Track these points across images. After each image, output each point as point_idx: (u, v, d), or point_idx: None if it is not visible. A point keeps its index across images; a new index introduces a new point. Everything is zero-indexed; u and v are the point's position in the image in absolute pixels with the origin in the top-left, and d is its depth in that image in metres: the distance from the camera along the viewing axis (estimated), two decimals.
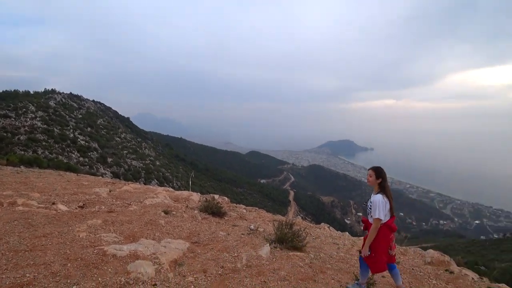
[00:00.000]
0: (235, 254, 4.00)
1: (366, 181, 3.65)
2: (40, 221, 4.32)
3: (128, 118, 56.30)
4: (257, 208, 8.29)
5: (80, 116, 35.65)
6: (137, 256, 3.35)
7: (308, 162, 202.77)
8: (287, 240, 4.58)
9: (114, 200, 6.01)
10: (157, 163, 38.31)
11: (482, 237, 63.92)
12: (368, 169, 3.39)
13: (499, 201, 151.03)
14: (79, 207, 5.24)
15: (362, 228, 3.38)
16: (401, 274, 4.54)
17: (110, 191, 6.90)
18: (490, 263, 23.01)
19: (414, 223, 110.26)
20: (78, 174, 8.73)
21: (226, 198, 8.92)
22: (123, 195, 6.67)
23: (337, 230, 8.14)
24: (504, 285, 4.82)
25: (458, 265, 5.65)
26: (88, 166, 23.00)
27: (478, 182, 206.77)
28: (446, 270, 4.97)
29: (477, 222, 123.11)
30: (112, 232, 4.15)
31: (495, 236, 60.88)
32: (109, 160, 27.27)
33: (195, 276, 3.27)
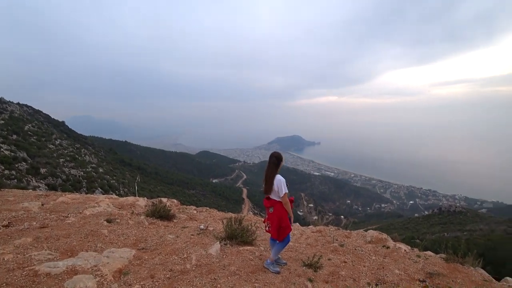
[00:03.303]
0: (185, 256, 3.96)
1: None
2: None
3: (63, 122, 51.03)
4: (207, 208, 8.24)
5: (3, 122, 31.37)
6: (76, 271, 3.13)
7: (259, 159, 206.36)
8: (237, 236, 4.68)
9: (47, 214, 5.46)
10: (100, 170, 35.48)
11: (416, 214, 71.85)
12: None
13: (428, 182, 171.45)
14: (3, 226, 4.66)
15: (269, 210, 3.79)
16: (345, 254, 4.97)
17: (42, 204, 6.24)
18: (424, 236, 26.17)
19: (360, 209, 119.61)
20: (2, 190, 7.70)
21: (176, 201, 8.70)
22: (58, 208, 6.10)
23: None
24: (429, 252, 5.59)
25: (394, 241, 6.34)
26: (16, 180, 20.38)
27: (410, 167, 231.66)
28: (383, 246, 5.53)
29: (411, 202, 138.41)
30: (45, 249, 3.79)
31: (426, 212, 68.66)
32: (43, 170, 24.48)
33: (142, 283, 3.16)
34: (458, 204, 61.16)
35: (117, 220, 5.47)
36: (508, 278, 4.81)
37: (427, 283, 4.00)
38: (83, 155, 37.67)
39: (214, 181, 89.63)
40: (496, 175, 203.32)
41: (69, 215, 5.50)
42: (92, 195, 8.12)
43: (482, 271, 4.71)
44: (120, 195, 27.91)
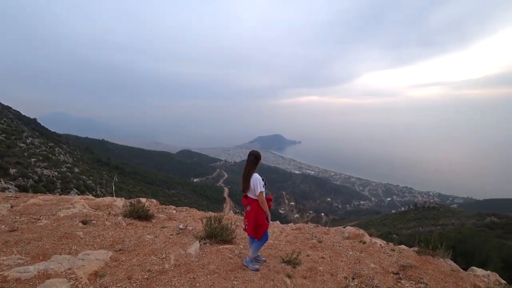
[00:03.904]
0: (163, 256, 3.91)
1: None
2: None
3: (34, 120, 48.61)
4: (187, 208, 8.16)
5: None
6: (48, 275, 3.03)
7: (241, 157, 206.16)
8: (216, 235, 4.67)
9: (17, 217, 5.21)
10: (76, 170, 34.17)
11: (393, 211, 74.34)
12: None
13: (404, 180, 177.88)
14: None
15: (247, 208, 3.85)
16: (323, 250, 5.08)
17: (12, 206, 5.95)
18: (400, 231, 27.19)
19: (340, 206, 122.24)
20: None
21: (155, 201, 8.56)
22: (29, 210, 5.83)
23: (271, 221, 8.58)
24: (403, 246, 5.84)
25: (370, 236, 6.56)
26: None
27: (388, 166, 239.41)
28: (360, 242, 5.71)
29: (389, 199, 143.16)
30: (15, 254, 3.62)
31: (402, 209, 71.08)
32: (12, 171, 23.27)
33: (118, 285, 3.10)
34: (432, 200, 63.95)
35: (93, 222, 5.31)
36: (474, 267, 5.13)
37: (401, 275, 4.18)
38: (57, 155, 36.17)
39: (195, 180, 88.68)
40: (466, 172, 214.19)
41: (41, 218, 5.29)
42: (66, 196, 7.83)
43: (451, 262, 4.98)
44: (97, 196, 27.02)
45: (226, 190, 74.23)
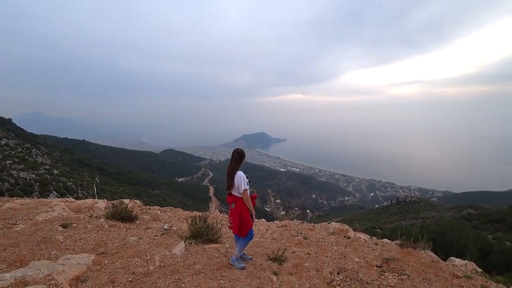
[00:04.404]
0: (148, 257, 3.84)
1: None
2: None
3: (9, 120, 46.57)
4: (172, 208, 8.06)
5: None
6: (26, 283, 2.90)
7: (226, 156, 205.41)
8: (202, 234, 4.64)
9: None
10: (55, 172, 33.01)
11: (376, 206, 76.12)
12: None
13: (386, 175, 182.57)
14: None
15: (231, 206, 3.85)
16: (309, 246, 5.14)
17: None
18: (383, 225, 27.90)
19: (325, 202, 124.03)
20: None
21: (138, 202, 8.40)
22: (5, 215, 5.59)
23: (256, 219, 8.57)
24: (386, 239, 5.98)
25: (354, 231, 6.69)
26: None
27: (371, 162, 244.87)
28: (345, 237, 5.81)
29: (372, 194, 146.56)
30: None
31: (385, 203, 72.82)
32: None
33: None
34: (413, 195, 66.02)
35: (73, 225, 5.15)
36: (452, 258, 5.33)
37: (384, 268, 4.29)
38: (34, 156, 34.85)
39: (179, 180, 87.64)
40: (444, 167, 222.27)
41: (17, 222, 5.08)
42: (45, 199, 7.56)
43: (431, 253, 5.16)
44: (78, 198, 26.26)
45: (211, 189, 73.78)
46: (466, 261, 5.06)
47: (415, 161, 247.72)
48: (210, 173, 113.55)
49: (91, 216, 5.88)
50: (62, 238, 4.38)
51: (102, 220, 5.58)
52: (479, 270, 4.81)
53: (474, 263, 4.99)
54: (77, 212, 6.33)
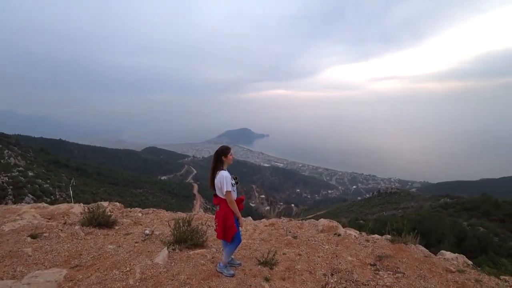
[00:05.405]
0: (127, 269, 3.50)
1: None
2: None
3: None
4: (155, 209, 7.65)
5: None
6: None
7: (209, 153, 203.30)
8: (186, 239, 4.32)
9: None
10: (30, 174, 31.37)
11: (359, 198, 77.80)
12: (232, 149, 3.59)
13: (368, 168, 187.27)
14: None
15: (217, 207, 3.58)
16: (299, 246, 4.94)
17: None
18: (366, 216, 28.46)
19: (309, 196, 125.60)
20: None
21: (118, 204, 7.93)
22: None
23: (243, 217, 8.29)
24: (376, 235, 5.89)
25: (343, 227, 6.57)
26: None
27: (352, 155, 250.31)
28: (335, 234, 5.64)
29: (354, 187, 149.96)
30: None
31: (367, 195, 74.53)
32: None
33: None
34: (393, 186, 67.80)
35: (44, 234, 4.70)
36: (443, 251, 5.31)
37: (378, 266, 4.16)
38: (6, 158, 33.06)
39: (162, 178, 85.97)
40: (422, 159, 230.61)
41: None
42: (13, 206, 6.96)
43: (422, 248, 5.11)
44: (56, 200, 25.08)
45: (195, 186, 72.79)
46: (456, 254, 5.05)
47: (395, 154, 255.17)
48: (194, 170, 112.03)
49: (65, 223, 5.42)
50: (31, 251, 3.96)
51: (77, 227, 5.14)
52: (470, 262, 4.80)
53: (464, 256, 4.99)
54: (49, 219, 5.84)
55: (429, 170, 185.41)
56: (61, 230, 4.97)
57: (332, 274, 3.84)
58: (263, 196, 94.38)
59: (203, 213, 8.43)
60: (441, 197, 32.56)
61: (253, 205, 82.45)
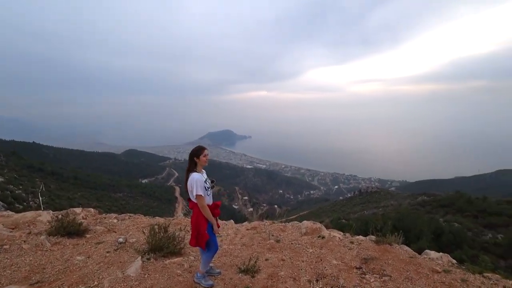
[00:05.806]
0: (95, 283, 3.17)
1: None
2: None
3: None
4: (131, 214, 7.24)
5: None
6: None
7: None
8: (162, 247, 4.01)
9: None
10: (0, 179, 29.74)
11: (340, 197, 79.00)
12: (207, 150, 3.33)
13: (349, 168, 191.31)
14: None
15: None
16: (282, 251, 4.75)
17: None
18: (348, 216, 28.83)
19: (292, 197, 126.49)
20: None
21: (93, 210, 7.46)
22: None
23: (224, 220, 7.98)
24: (360, 236, 5.78)
25: (327, 228, 6.44)
26: None
27: (334, 156, 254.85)
28: (319, 237, 5.47)
29: (336, 187, 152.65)
30: None
31: (348, 195, 75.85)
32: None
33: None
34: (373, 185, 69.38)
35: (5, 247, 4.27)
36: (427, 251, 5.26)
37: (364, 270, 4.04)
38: None
39: (143, 181, 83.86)
40: (400, 159, 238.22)
41: None
42: None
43: (407, 248, 5.04)
44: (29, 207, 23.77)
45: (177, 189, 71.48)
46: (440, 253, 5.00)
47: (376, 155, 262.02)
48: (176, 172, 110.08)
49: (29, 233, 4.96)
50: None
51: (43, 237, 4.71)
52: (454, 261, 4.78)
53: (448, 255, 4.96)
54: (13, 228, 5.36)
55: (407, 169, 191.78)
56: (25, 241, 4.54)
57: (317, 280, 3.67)
58: (246, 197, 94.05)
59: (183, 217, 8.08)
60: (418, 195, 33.50)
61: (236, 207, 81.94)
